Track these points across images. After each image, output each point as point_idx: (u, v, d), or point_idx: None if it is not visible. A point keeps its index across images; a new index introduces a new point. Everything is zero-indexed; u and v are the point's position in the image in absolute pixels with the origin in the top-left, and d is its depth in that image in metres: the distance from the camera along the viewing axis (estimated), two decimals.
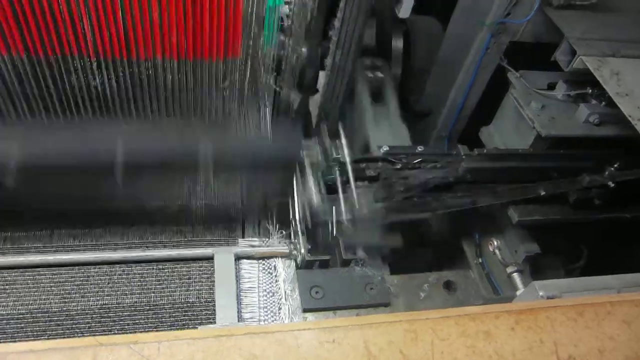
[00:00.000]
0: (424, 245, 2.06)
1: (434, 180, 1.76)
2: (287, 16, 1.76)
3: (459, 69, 2.08)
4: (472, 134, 2.22)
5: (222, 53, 1.54)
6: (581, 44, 1.79)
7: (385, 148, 1.76)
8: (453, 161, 1.78)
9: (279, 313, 1.43)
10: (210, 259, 1.50)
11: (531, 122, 1.87)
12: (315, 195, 1.56)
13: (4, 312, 1.37)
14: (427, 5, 2.23)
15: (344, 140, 1.70)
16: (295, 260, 1.55)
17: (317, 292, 1.48)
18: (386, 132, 1.95)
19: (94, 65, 1.46)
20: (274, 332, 1.10)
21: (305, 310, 1.45)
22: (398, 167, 1.75)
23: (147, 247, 1.53)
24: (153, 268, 1.48)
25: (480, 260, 2.08)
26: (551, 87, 1.98)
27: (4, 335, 1.33)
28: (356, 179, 1.78)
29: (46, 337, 1.34)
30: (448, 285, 1.60)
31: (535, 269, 2.13)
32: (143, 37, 1.42)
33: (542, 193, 1.90)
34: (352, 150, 1.78)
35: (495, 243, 2.02)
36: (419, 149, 1.78)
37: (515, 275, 1.92)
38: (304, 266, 1.54)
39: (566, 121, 1.90)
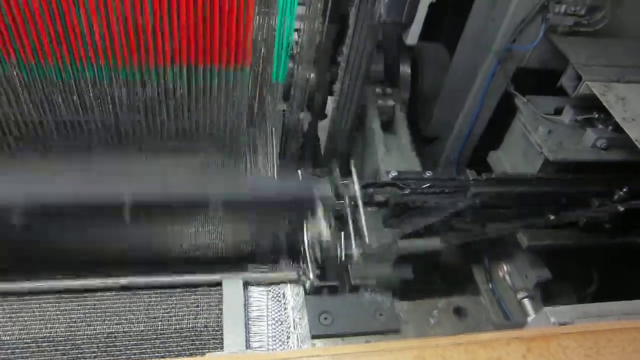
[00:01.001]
0: (434, 270, 2.05)
1: (441, 205, 1.76)
2: (297, 43, 1.79)
3: (467, 94, 2.09)
4: (480, 158, 2.22)
5: (232, 59, 1.52)
6: (586, 69, 1.80)
7: (394, 173, 1.76)
8: (461, 186, 1.78)
9: (288, 342, 1.41)
10: (218, 285, 1.49)
11: (539, 147, 1.87)
12: (324, 229, 1.54)
13: (10, 341, 1.36)
14: (434, 32, 2.26)
15: (354, 176, 1.68)
16: (304, 286, 1.54)
17: (325, 318, 1.47)
18: (397, 161, 1.95)
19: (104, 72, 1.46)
20: (281, 359, 1.09)
21: (314, 337, 1.44)
22: (406, 192, 1.74)
23: (154, 273, 1.52)
24: (160, 294, 1.47)
25: (490, 285, 2.05)
26: (558, 112, 1.98)
27: None
28: (365, 204, 1.79)
29: None
30: (458, 311, 1.59)
31: (547, 295, 2.10)
32: (154, 44, 1.42)
33: (552, 218, 1.89)
34: (362, 179, 1.78)
35: (506, 268, 2.00)
36: (428, 174, 1.78)
37: (526, 301, 1.90)
38: (313, 292, 1.53)
39: (574, 146, 1.90)
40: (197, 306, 1.46)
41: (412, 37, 1.60)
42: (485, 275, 2.08)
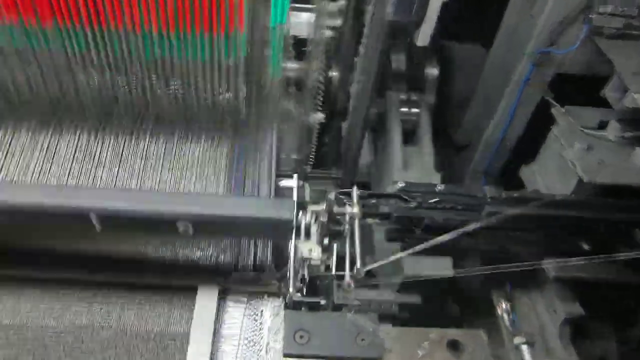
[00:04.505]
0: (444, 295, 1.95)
1: (452, 223, 1.66)
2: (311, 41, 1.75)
3: (499, 100, 1.96)
4: (514, 172, 2.08)
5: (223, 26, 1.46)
6: (636, 79, 1.63)
7: (401, 184, 1.68)
8: (476, 203, 1.67)
9: None
10: (194, 289, 1.48)
11: (572, 165, 1.72)
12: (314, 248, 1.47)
13: None
14: (470, 32, 2.15)
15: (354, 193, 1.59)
16: (285, 299, 1.50)
17: (302, 337, 1.42)
18: (415, 175, 1.87)
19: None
20: None
21: (285, 355, 1.39)
22: (413, 205, 1.66)
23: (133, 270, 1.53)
24: (136, 296, 1.48)
25: (511, 317, 1.92)
26: (602, 126, 1.81)
27: None
28: (368, 216, 1.72)
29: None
30: (453, 345, 1.48)
31: (580, 334, 1.94)
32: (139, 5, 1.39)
33: (586, 248, 1.74)
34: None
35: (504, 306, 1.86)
36: (439, 188, 1.69)
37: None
38: (292, 306, 1.49)
39: (617, 166, 1.73)
40: (170, 316, 1.45)
41: (422, 37, 1.52)
42: (505, 306, 1.95)
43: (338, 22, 1.96)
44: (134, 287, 1.49)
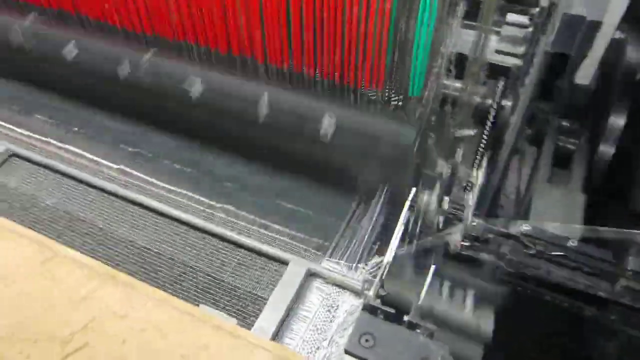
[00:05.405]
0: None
1: (573, 285, 1.49)
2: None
3: None
4: None
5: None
6: None
7: (526, 227, 1.57)
8: (610, 272, 1.47)
9: (315, 353, 1.44)
10: (285, 263, 1.60)
11: None
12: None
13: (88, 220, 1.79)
14: None
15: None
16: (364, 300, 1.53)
17: (367, 340, 1.43)
18: (554, 201, 1.73)
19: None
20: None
21: (346, 352, 1.42)
22: (531, 252, 1.53)
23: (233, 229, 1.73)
24: (239, 251, 1.67)
25: None
26: None
27: None
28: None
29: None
30: None
31: None
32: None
33: None
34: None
35: None
36: (571, 243, 1.53)
37: None
38: (369, 309, 1.50)
39: None
40: (259, 280, 1.60)
41: (582, 75, 1.40)
42: None
43: (521, 49, 1.90)
44: (237, 246, 1.68)
